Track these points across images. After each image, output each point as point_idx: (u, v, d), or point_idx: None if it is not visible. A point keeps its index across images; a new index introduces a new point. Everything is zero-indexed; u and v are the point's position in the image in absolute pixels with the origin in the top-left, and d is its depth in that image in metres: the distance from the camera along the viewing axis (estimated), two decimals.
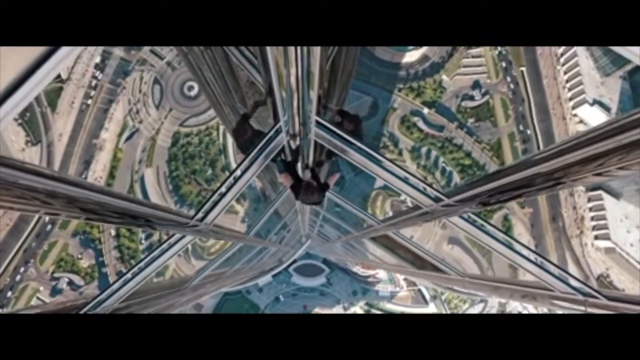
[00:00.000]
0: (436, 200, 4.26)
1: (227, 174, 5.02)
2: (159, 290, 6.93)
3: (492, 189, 3.39)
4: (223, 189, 4.52)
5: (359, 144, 4.23)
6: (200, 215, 4.51)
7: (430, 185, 4.30)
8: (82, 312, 3.79)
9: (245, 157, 4.53)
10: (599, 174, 2.69)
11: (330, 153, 4.75)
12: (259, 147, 4.37)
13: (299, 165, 5.15)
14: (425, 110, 46.96)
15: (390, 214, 45.61)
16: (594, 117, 41.57)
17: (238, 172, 4.50)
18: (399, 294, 50.85)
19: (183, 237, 4.48)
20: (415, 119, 47.06)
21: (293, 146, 4.64)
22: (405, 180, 4.37)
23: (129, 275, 4.39)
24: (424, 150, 47.16)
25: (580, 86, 42.31)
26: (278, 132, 4.35)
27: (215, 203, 4.58)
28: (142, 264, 4.48)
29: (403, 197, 45.42)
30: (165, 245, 4.48)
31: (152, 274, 4.58)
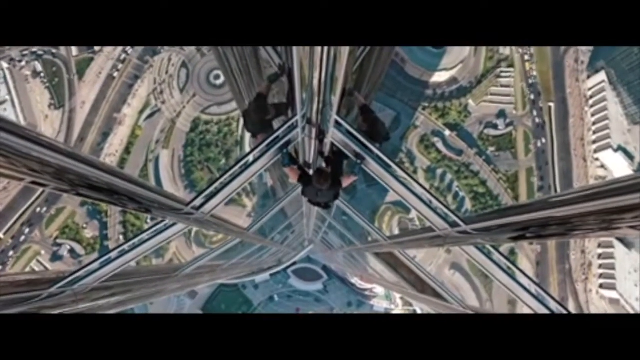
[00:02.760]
0: (452, 225, 3.98)
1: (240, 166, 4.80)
2: (149, 275, 6.72)
3: (517, 223, 3.10)
4: (226, 178, 4.27)
5: (377, 152, 3.97)
6: (197, 202, 4.25)
7: (448, 208, 4.00)
8: (57, 286, 3.58)
9: (254, 148, 4.30)
10: (634, 227, 2.42)
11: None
12: (270, 139, 4.14)
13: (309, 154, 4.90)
14: (447, 132, 46.56)
15: (397, 231, 45.19)
16: (616, 164, 40.99)
17: (241, 164, 4.26)
18: (394, 311, 50.28)
19: (175, 223, 4.25)
20: (435, 139, 46.71)
21: (308, 143, 4.40)
22: (421, 199, 4.10)
23: (112, 254, 4.18)
24: (439, 171, 46.76)
25: (606, 130, 41.95)
26: (293, 127, 4.11)
27: (217, 191, 4.34)
28: (126, 247, 4.26)
29: (412, 215, 45.06)
30: (155, 230, 4.24)
31: (139, 258, 4.36)
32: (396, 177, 4.09)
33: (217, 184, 4.31)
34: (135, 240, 4.29)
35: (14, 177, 2.19)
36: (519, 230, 3.27)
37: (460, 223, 3.81)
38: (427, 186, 45.77)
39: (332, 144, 4.50)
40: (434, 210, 4.10)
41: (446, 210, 4.04)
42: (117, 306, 6.76)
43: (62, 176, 2.44)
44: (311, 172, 5.09)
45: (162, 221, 4.15)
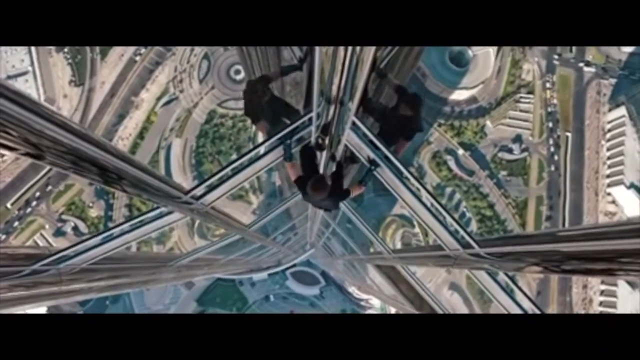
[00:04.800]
0: (465, 246, 3.73)
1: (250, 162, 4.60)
2: (143, 261, 6.56)
3: (535, 252, 2.87)
4: (232, 170, 4.07)
5: (394, 160, 3.75)
6: (197, 192, 4.01)
7: (463, 228, 3.75)
8: (41, 263, 3.40)
9: (263, 141, 4.12)
10: None
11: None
12: (281, 134, 3.94)
13: (320, 156, 4.65)
14: (460, 152, 46.19)
15: (399, 243, 44.87)
16: (627, 200, 40.58)
17: (248, 157, 4.06)
18: None
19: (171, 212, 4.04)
20: (448, 157, 46.41)
21: (321, 141, 4.19)
22: (434, 214, 3.86)
23: (104, 236, 4.00)
24: (448, 190, 46.37)
25: (621, 166, 41.67)
26: (307, 124, 3.91)
27: (220, 183, 4.13)
28: (120, 230, 4.08)
29: (416, 230, 44.74)
30: (150, 216, 4.03)
31: (132, 243, 4.16)
32: (410, 189, 3.88)
33: (221, 175, 4.11)
34: (130, 224, 4.11)
35: (6, 145, 2.05)
36: (535, 260, 3.06)
37: (474, 245, 3.57)
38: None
39: (345, 148, 4.32)
40: (447, 228, 3.87)
41: (460, 230, 3.80)
42: (107, 290, 6.61)
43: (56, 150, 2.29)
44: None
45: (157, 207, 3.96)
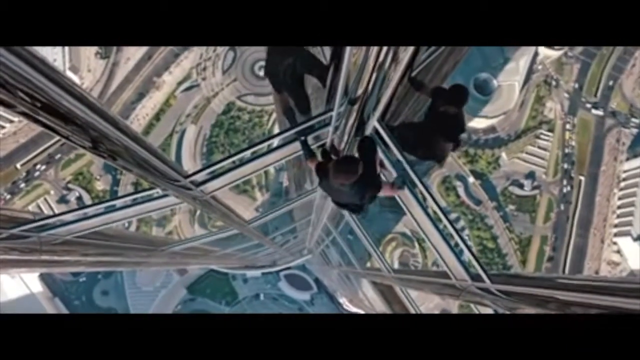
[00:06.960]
0: (474, 278, 3.46)
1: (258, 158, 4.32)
2: (137, 242, 6.36)
3: (550, 298, 2.61)
4: (239, 160, 3.83)
5: (412, 173, 3.50)
6: (198, 177, 3.74)
7: (476, 259, 3.47)
8: (22, 228, 3.20)
9: (280, 132, 3.89)
10: None
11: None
12: (298, 129, 3.69)
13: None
14: (471, 180, 45.76)
15: (397, 262, 44.50)
16: (633, 253, 40.09)
17: (259, 147, 3.83)
18: None
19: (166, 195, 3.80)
20: (458, 183, 46.01)
21: (337, 143, 3.92)
22: (447, 240, 3.59)
23: (93, 210, 3.80)
24: (453, 216, 45.87)
25: (630, 217, 41.35)
26: (326, 122, 3.67)
27: (224, 172, 3.88)
28: (111, 205, 3.87)
29: (415, 250, 44.35)
30: (146, 195, 3.79)
31: (123, 220, 3.94)
32: (424, 209, 3.62)
33: (226, 163, 3.86)
34: (122, 202, 3.91)
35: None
36: (547, 305, 2.81)
37: (485, 279, 3.30)
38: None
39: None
40: (458, 256, 3.60)
41: (472, 261, 3.53)
42: (97, 265, 6.43)
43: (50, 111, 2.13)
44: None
45: (153, 188, 3.74)
